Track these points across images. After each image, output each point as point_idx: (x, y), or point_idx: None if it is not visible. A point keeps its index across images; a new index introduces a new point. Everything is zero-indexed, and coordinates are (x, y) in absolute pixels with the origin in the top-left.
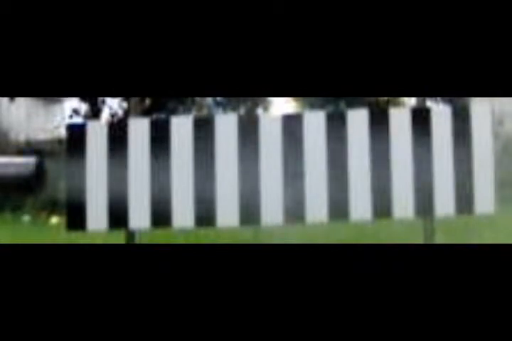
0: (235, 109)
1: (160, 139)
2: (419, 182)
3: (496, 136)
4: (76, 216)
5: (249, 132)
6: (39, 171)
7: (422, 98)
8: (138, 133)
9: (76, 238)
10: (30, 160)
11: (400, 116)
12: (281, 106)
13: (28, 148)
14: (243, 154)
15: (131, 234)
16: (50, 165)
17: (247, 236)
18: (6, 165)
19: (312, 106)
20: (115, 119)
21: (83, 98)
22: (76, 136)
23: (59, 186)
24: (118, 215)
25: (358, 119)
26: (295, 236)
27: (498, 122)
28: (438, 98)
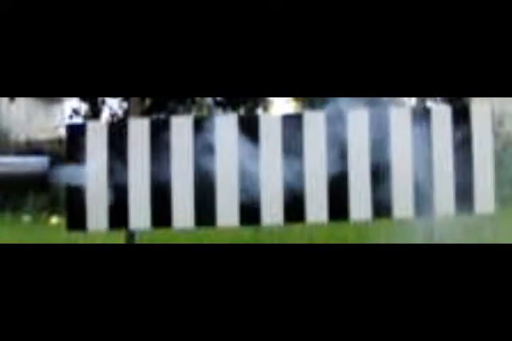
0: (235, 109)
1: (160, 139)
2: (419, 182)
3: (496, 136)
4: (76, 216)
5: (249, 132)
6: (51, 170)
7: (422, 98)
8: (138, 133)
9: (76, 238)
10: (43, 159)
11: (400, 116)
12: (281, 106)
13: (28, 148)
14: (243, 154)
15: (131, 234)
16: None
17: (247, 236)
18: (20, 164)
19: (312, 106)
20: (115, 119)
21: (83, 98)
22: (76, 136)
23: (59, 186)
24: (118, 215)
25: (358, 119)
26: (295, 236)
27: (498, 122)
28: (438, 98)
